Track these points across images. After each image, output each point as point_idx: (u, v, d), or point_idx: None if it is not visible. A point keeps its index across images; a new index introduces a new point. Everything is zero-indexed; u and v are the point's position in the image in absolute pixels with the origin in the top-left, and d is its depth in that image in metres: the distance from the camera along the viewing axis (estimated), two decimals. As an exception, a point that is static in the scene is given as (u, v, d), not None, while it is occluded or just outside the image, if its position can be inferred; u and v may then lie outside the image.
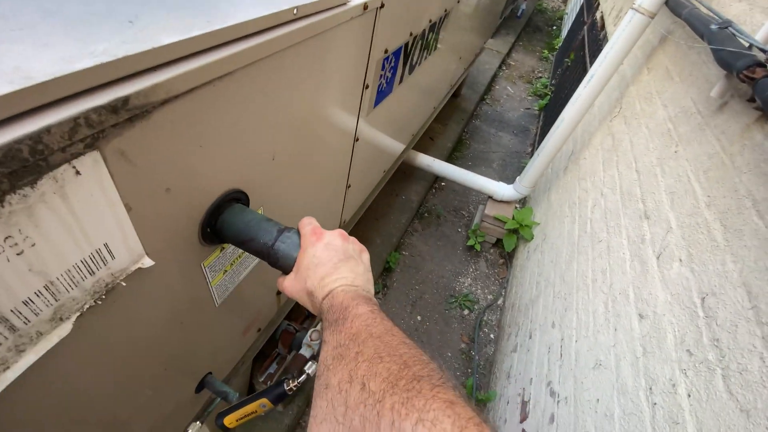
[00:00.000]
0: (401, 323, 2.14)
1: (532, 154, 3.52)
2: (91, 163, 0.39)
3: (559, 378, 1.31)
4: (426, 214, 2.83)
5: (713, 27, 1.18)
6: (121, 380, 0.61)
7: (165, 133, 0.46)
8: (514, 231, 2.44)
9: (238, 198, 0.67)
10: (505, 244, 2.47)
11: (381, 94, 1.18)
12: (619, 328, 1.10)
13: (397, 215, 2.61)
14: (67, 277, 0.42)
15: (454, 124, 3.57)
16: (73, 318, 0.45)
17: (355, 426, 0.32)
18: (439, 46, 1.69)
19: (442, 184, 3.11)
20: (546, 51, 5.67)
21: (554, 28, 6.69)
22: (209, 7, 0.53)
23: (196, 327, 0.75)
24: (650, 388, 0.89)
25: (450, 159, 3.26)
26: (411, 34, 1.20)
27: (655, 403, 0.86)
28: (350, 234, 0.62)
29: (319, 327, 1.05)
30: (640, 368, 0.95)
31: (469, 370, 2.02)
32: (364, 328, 0.40)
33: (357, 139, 1.15)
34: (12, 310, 0.38)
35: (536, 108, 4.29)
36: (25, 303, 0.39)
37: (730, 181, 0.96)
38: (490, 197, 2.59)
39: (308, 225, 0.57)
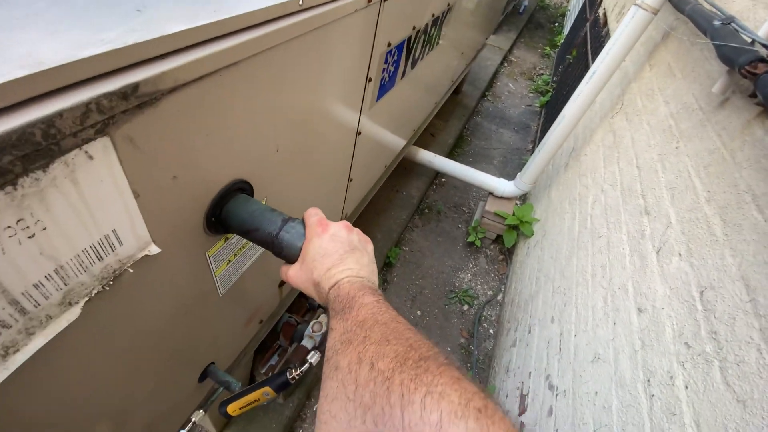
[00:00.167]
0: (401, 318, 2.14)
1: (532, 150, 3.52)
2: (101, 148, 0.39)
3: (557, 372, 1.32)
4: (426, 210, 2.83)
5: (716, 23, 1.18)
6: (126, 367, 0.62)
7: (173, 121, 0.46)
8: (515, 227, 2.44)
9: (242, 188, 0.67)
10: (505, 240, 2.47)
11: (383, 88, 1.18)
12: (618, 322, 1.11)
13: (397, 211, 2.61)
14: (77, 261, 0.43)
15: (455, 121, 3.57)
16: (82, 303, 0.46)
17: (365, 401, 0.33)
18: (441, 41, 1.69)
19: (443, 180, 3.11)
20: (548, 48, 5.65)
21: (556, 24, 6.67)
22: (215, -3, 0.54)
23: (200, 316, 0.76)
24: (648, 381, 0.90)
25: (451, 155, 3.26)
26: (414, 28, 1.20)
27: (652, 395, 0.87)
28: (352, 228, 0.62)
29: (320, 319, 1.06)
30: (639, 361, 0.96)
31: (469, 365, 2.04)
32: (371, 316, 0.41)
33: (359, 133, 1.16)
34: (23, 293, 0.39)
35: (537, 105, 4.28)
36: (36, 286, 0.40)
37: (730, 176, 0.96)
38: (491, 193, 2.59)
39: (314, 216, 0.58)
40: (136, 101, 0.40)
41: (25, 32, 0.38)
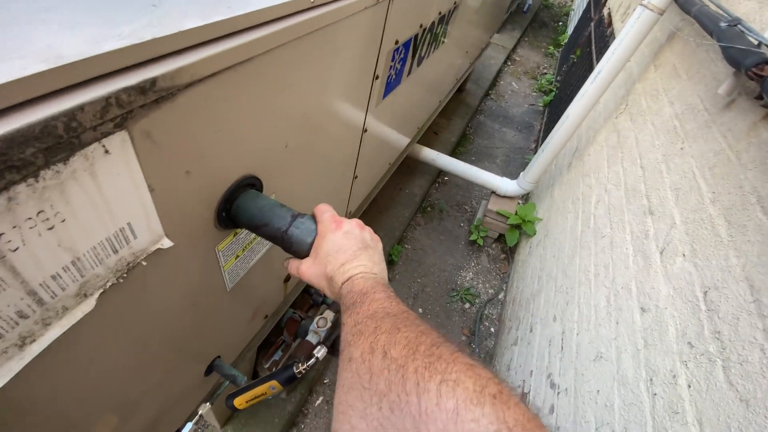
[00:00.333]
0: (403, 315, 2.15)
1: (535, 150, 3.52)
2: (119, 142, 0.40)
3: (559, 370, 1.33)
4: (429, 209, 2.84)
5: (722, 24, 1.18)
6: (136, 359, 0.63)
7: (188, 116, 0.47)
8: (517, 226, 2.45)
9: (252, 184, 0.68)
10: (507, 239, 2.48)
11: (390, 86, 1.19)
12: (621, 321, 1.12)
13: (400, 209, 2.62)
14: (93, 254, 0.44)
15: (459, 119, 3.57)
16: (97, 294, 0.47)
17: (380, 389, 0.33)
18: (446, 39, 1.69)
19: (446, 178, 3.12)
20: (551, 47, 5.64)
21: (560, 24, 6.65)
22: (228, -6, 0.54)
23: (208, 310, 0.76)
24: (651, 379, 0.91)
25: (454, 154, 3.26)
26: (421, 26, 1.21)
27: (655, 394, 0.88)
28: (355, 226, 0.63)
29: (325, 314, 1.06)
30: (641, 360, 0.97)
31: (470, 363, 2.05)
32: (381, 309, 0.42)
33: (365, 130, 1.16)
34: (41, 284, 0.40)
35: (541, 104, 4.28)
36: (53, 277, 0.41)
37: (735, 177, 0.97)
38: (494, 192, 2.60)
39: (327, 212, 0.59)
40: (153, 96, 0.40)
41: (43, 26, 0.39)
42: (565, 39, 5.55)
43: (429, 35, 1.37)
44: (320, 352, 0.78)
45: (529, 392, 1.47)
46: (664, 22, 1.76)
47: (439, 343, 0.34)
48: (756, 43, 1.04)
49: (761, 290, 0.76)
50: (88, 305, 0.46)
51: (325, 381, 1.82)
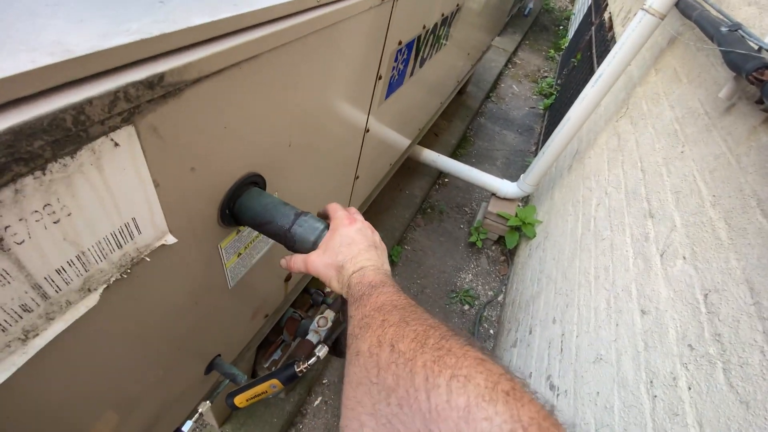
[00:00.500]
0: (402, 316, 2.15)
1: (536, 153, 3.53)
2: (126, 136, 0.40)
3: (558, 372, 1.33)
4: (429, 210, 2.84)
5: (723, 29, 1.19)
6: (137, 356, 0.63)
7: (194, 112, 0.47)
8: (517, 228, 2.45)
9: (255, 182, 0.68)
10: (507, 241, 2.48)
11: (392, 87, 1.19)
12: (621, 323, 1.12)
13: (400, 210, 2.62)
14: (98, 248, 0.44)
15: (459, 121, 3.58)
16: (100, 289, 0.47)
17: (389, 384, 0.32)
18: (448, 41, 1.70)
19: (446, 180, 3.12)
20: (552, 50, 5.66)
21: (561, 27, 6.68)
22: (234, -9, 0.54)
23: (210, 308, 0.76)
24: (651, 382, 0.91)
25: (454, 155, 3.26)
26: (424, 27, 1.21)
27: (655, 396, 0.88)
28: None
29: (326, 314, 1.06)
30: (641, 362, 0.97)
31: (469, 365, 2.04)
32: (389, 301, 0.42)
33: (367, 131, 1.16)
34: (45, 278, 0.40)
35: (541, 107, 4.29)
36: (58, 271, 0.41)
37: (735, 181, 0.97)
38: (494, 194, 2.60)
39: (340, 210, 0.60)
40: (161, 91, 0.41)
41: (52, 20, 0.39)
42: (565, 43, 5.57)
43: (432, 36, 1.37)
44: (321, 351, 0.78)
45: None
46: (665, 26, 1.77)
47: (448, 336, 0.33)
48: (756, 48, 1.05)
49: (761, 293, 0.76)
50: (92, 300, 0.46)
51: (324, 381, 1.82)
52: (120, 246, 0.46)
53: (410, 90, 1.44)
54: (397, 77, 1.18)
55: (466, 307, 2.30)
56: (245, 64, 0.51)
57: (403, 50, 1.10)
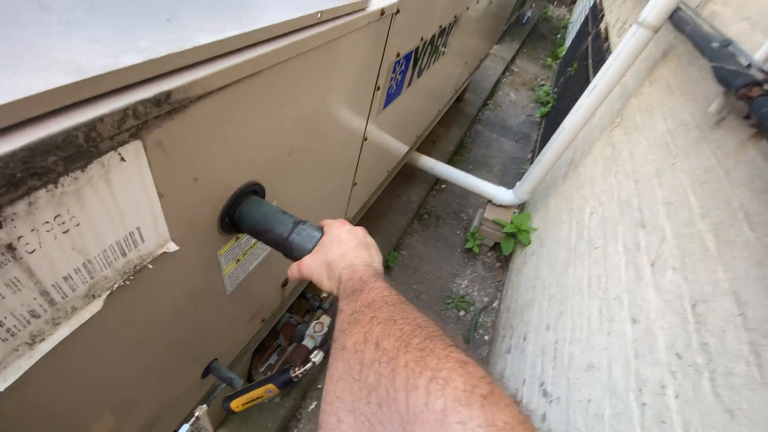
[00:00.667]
0: (398, 322, 2.16)
1: (532, 160, 3.56)
2: (133, 151, 0.42)
3: (551, 379, 1.34)
4: (426, 216, 2.86)
5: (714, 45, 1.22)
6: (136, 360, 0.64)
7: (198, 126, 0.49)
8: (512, 235, 2.47)
9: (255, 190, 0.70)
10: (502, 247, 2.50)
11: (390, 96, 1.21)
12: (613, 332, 1.14)
13: (397, 215, 2.64)
14: (103, 256, 0.45)
15: (457, 128, 3.61)
16: (104, 296, 0.48)
17: (370, 382, 0.32)
18: (446, 51, 1.73)
19: (443, 186, 3.14)
20: (549, 59, 5.72)
21: (558, 36, 6.75)
22: (238, 9, 0.56)
23: (208, 313, 0.78)
24: (640, 390, 0.93)
25: (451, 162, 3.29)
26: (422, 39, 1.24)
27: (644, 404, 0.90)
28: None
29: (322, 319, 1.07)
30: (632, 370, 0.99)
31: (463, 370, 2.06)
32: (380, 297, 0.42)
33: (365, 139, 1.19)
34: (53, 285, 0.41)
35: (538, 115, 4.33)
36: (65, 279, 0.42)
37: (724, 194, 1.00)
38: (490, 201, 2.63)
39: (332, 220, 0.62)
40: (167, 107, 0.42)
41: (65, 39, 0.41)
42: (562, 51, 5.63)
43: (429, 47, 1.40)
44: (317, 357, 0.80)
45: (521, 400, 1.48)
46: (659, 39, 1.81)
47: (433, 337, 0.33)
48: (746, 64, 1.08)
49: (747, 304, 0.78)
50: (96, 306, 0.47)
51: (319, 386, 1.82)
52: (124, 254, 0.48)
53: (408, 99, 1.47)
54: (395, 87, 1.20)
55: (462, 313, 2.32)
56: (248, 80, 0.53)
57: (401, 62, 1.13)
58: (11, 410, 0.45)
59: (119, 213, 0.44)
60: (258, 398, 0.79)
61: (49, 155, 0.34)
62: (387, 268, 2.39)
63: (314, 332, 1.06)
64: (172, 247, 0.55)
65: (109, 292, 0.49)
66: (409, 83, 1.36)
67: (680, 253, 1.04)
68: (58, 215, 0.38)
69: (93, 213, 0.41)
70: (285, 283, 1.16)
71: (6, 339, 0.40)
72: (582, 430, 1.07)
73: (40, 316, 0.42)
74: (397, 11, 0.90)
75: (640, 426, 0.88)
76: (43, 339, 0.44)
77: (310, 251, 0.61)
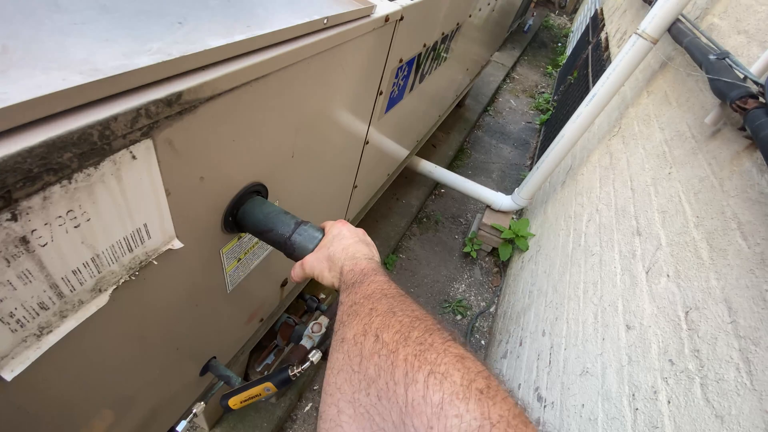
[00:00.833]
0: (395, 324, 2.17)
1: (531, 167, 3.58)
2: (144, 149, 0.43)
3: (546, 384, 1.35)
4: (425, 219, 2.88)
5: (711, 57, 1.24)
6: (136, 355, 0.65)
7: (206, 127, 0.50)
8: (510, 241, 2.49)
9: (258, 190, 0.71)
10: (500, 253, 2.52)
11: (392, 101, 1.23)
12: (607, 337, 1.15)
13: (396, 218, 2.65)
14: (111, 251, 0.46)
15: (457, 134, 3.63)
16: (110, 290, 0.49)
17: (370, 374, 0.33)
18: (448, 57, 1.75)
19: (442, 190, 3.16)
20: (550, 67, 5.77)
21: (559, 45, 6.81)
22: (247, 13, 0.58)
23: (209, 311, 0.79)
24: (633, 395, 0.94)
25: (451, 167, 3.31)
26: (424, 46, 1.26)
27: (637, 409, 0.91)
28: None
29: (320, 320, 1.08)
30: (625, 376, 1.00)
31: (459, 374, 2.06)
32: (379, 290, 0.43)
33: (367, 143, 1.20)
34: (62, 278, 0.42)
35: (537, 122, 4.37)
36: (74, 272, 0.43)
37: (718, 203, 1.01)
38: (489, 206, 2.64)
39: (333, 221, 0.63)
40: (178, 108, 0.44)
41: (79, 39, 0.42)
42: (563, 60, 5.68)
43: (432, 53, 1.42)
44: (315, 356, 0.80)
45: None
46: (658, 50, 1.84)
47: (432, 330, 0.34)
48: (742, 76, 1.10)
49: (738, 312, 0.80)
50: (102, 300, 0.48)
51: (315, 387, 1.83)
52: (131, 249, 0.49)
53: (409, 104, 1.49)
54: (397, 92, 1.22)
55: (459, 317, 2.33)
56: (255, 83, 0.54)
57: (403, 67, 1.15)
58: (16, 400, 0.46)
59: (128, 209, 0.45)
60: (256, 396, 0.80)
61: (65, 152, 0.35)
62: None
63: (312, 332, 1.07)
64: (177, 244, 0.56)
65: (115, 286, 0.50)
66: (411, 88, 1.38)
67: (674, 260, 1.06)
68: (71, 210, 0.39)
69: (103, 209, 0.42)
70: (284, 283, 1.17)
71: (15, 330, 0.41)
72: (575, 435, 1.08)
73: (48, 308, 0.43)
74: (401, 18, 0.92)
75: (632, 431, 0.89)
76: (51, 331, 0.45)
77: (311, 251, 0.62)
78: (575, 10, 8.14)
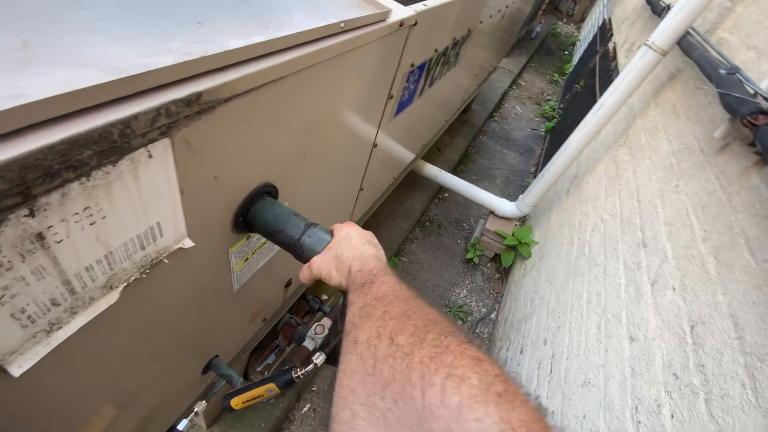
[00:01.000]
0: (395, 328, 2.17)
1: (535, 174, 3.58)
2: (161, 148, 0.43)
3: (547, 393, 1.35)
4: (428, 223, 2.87)
5: (722, 71, 1.24)
6: (143, 353, 0.65)
7: (223, 127, 0.50)
8: (513, 247, 2.48)
9: (269, 191, 0.71)
10: (502, 259, 2.51)
11: (402, 105, 1.23)
12: (610, 348, 1.15)
13: (399, 221, 2.65)
14: (123, 249, 0.46)
15: (462, 138, 3.63)
16: (121, 288, 0.49)
17: (384, 377, 0.32)
18: (457, 62, 1.75)
19: (446, 195, 3.16)
20: (556, 75, 5.77)
21: (566, 53, 6.81)
22: (264, 14, 0.58)
23: (214, 309, 0.79)
24: (636, 407, 0.94)
25: (455, 172, 3.31)
26: (436, 51, 1.26)
27: (639, 422, 0.91)
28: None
29: (323, 321, 1.08)
30: (628, 388, 1.00)
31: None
32: (391, 292, 0.42)
33: (375, 146, 1.20)
34: (75, 275, 0.42)
35: (542, 130, 4.37)
36: (87, 269, 0.43)
37: (726, 218, 1.01)
38: (492, 212, 2.64)
39: (342, 223, 0.63)
40: (197, 108, 0.44)
41: (100, 36, 0.42)
42: (570, 68, 5.68)
43: (442, 58, 1.42)
44: (319, 359, 0.80)
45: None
46: (667, 62, 1.83)
47: (447, 333, 0.33)
48: (752, 92, 1.10)
49: (745, 328, 0.80)
50: (113, 297, 0.48)
51: (314, 389, 1.82)
52: (143, 247, 0.49)
53: (418, 108, 1.49)
54: (407, 96, 1.22)
55: (459, 322, 2.32)
56: (272, 85, 0.54)
57: (414, 72, 1.15)
58: (22, 397, 0.45)
59: (143, 207, 0.45)
60: (258, 397, 0.79)
61: (86, 149, 0.35)
62: (386, 273, 2.40)
63: (315, 334, 1.07)
64: (188, 243, 0.56)
65: (125, 284, 0.50)
66: (421, 93, 1.38)
67: (680, 274, 1.05)
68: (87, 207, 0.39)
69: (119, 206, 0.42)
70: (288, 284, 1.17)
71: (26, 326, 0.41)
72: (576, 446, 1.07)
73: (59, 305, 0.43)
74: (415, 23, 0.92)
75: (634, 444, 0.89)
76: (60, 327, 0.45)
77: (319, 253, 0.62)
78: (583, 19, 8.16)
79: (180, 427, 0.83)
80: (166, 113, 0.40)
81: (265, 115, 0.57)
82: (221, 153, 0.53)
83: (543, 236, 2.32)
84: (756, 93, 1.09)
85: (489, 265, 2.71)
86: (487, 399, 0.27)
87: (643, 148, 1.68)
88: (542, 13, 6.83)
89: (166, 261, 0.54)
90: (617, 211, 1.58)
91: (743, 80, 1.16)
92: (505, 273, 2.65)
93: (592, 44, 4.68)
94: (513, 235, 2.47)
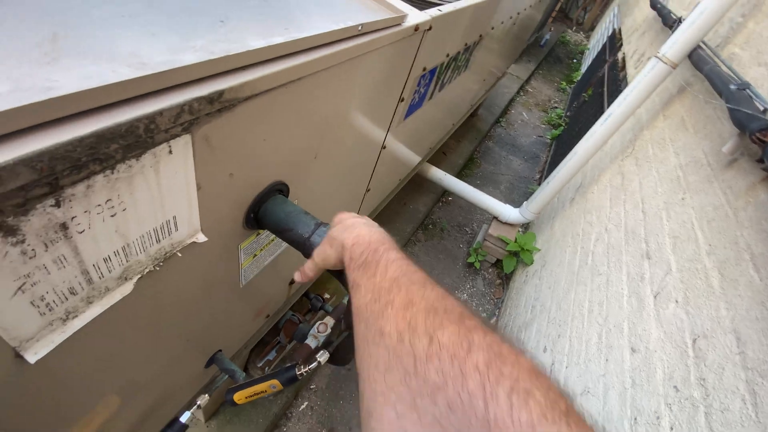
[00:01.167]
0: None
1: (540, 180, 3.59)
2: (182, 144, 0.44)
3: (545, 400, 1.35)
4: (430, 226, 2.88)
5: (732, 87, 1.25)
6: (150, 344, 0.66)
7: (241, 125, 0.51)
8: (515, 254, 2.49)
9: (280, 189, 0.72)
10: (504, 265, 2.52)
11: (412, 108, 1.24)
12: (611, 359, 1.15)
13: (403, 223, 2.66)
14: (140, 241, 0.47)
15: (468, 143, 3.64)
16: (135, 279, 0.50)
17: (432, 379, 0.30)
18: (468, 67, 1.76)
19: (449, 198, 3.16)
20: (564, 82, 5.77)
21: (575, 61, 6.81)
22: (284, 14, 0.59)
23: (221, 304, 0.79)
24: (635, 419, 0.94)
25: (460, 176, 3.32)
26: (447, 55, 1.27)
27: (638, 433, 0.91)
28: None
29: (325, 320, 1.09)
30: (628, 399, 1.00)
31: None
32: (402, 275, 0.40)
33: (384, 147, 1.21)
34: (93, 265, 0.43)
35: (548, 137, 4.37)
36: (105, 260, 0.44)
37: (731, 233, 1.01)
38: (496, 218, 2.64)
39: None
40: (218, 105, 0.45)
41: (126, 31, 0.43)
42: (578, 76, 5.68)
43: (453, 63, 1.43)
44: (323, 357, 0.81)
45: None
46: (677, 75, 1.84)
47: (489, 332, 0.32)
48: (762, 109, 1.10)
49: (747, 343, 0.80)
50: (127, 288, 0.49)
51: (312, 387, 1.83)
52: (158, 240, 0.50)
53: (427, 112, 1.50)
54: (417, 100, 1.23)
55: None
56: (291, 85, 0.55)
57: (426, 76, 1.16)
58: (35, 383, 0.46)
59: (161, 201, 0.46)
60: (261, 392, 0.80)
61: (113, 143, 0.36)
62: (388, 275, 2.40)
63: (318, 332, 1.08)
64: (201, 237, 0.57)
65: (140, 275, 0.50)
66: (431, 96, 1.39)
67: (684, 287, 1.05)
68: (110, 199, 0.40)
69: (139, 199, 0.43)
70: (292, 282, 1.18)
71: (44, 313, 0.42)
72: (573, 454, 1.07)
73: (77, 294, 0.44)
74: (430, 28, 0.93)
75: (632, 455, 0.89)
76: (76, 316, 0.46)
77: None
78: (592, 28, 8.16)
79: (182, 419, 0.84)
80: (189, 110, 0.41)
81: (282, 114, 0.58)
82: (238, 150, 0.54)
83: (546, 244, 2.33)
84: (766, 110, 1.09)
85: (490, 270, 2.72)
86: (557, 417, 0.27)
87: (650, 160, 1.69)
88: (552, 20, 6.84)
89: (179, 254, 0.55)
90: (622, 222, 1.58)
91: (753, 96, 1.17)
92: (506, 279, 2.65)
93: (601, 53, 4.68)
94: (516, 241, 2.47)
